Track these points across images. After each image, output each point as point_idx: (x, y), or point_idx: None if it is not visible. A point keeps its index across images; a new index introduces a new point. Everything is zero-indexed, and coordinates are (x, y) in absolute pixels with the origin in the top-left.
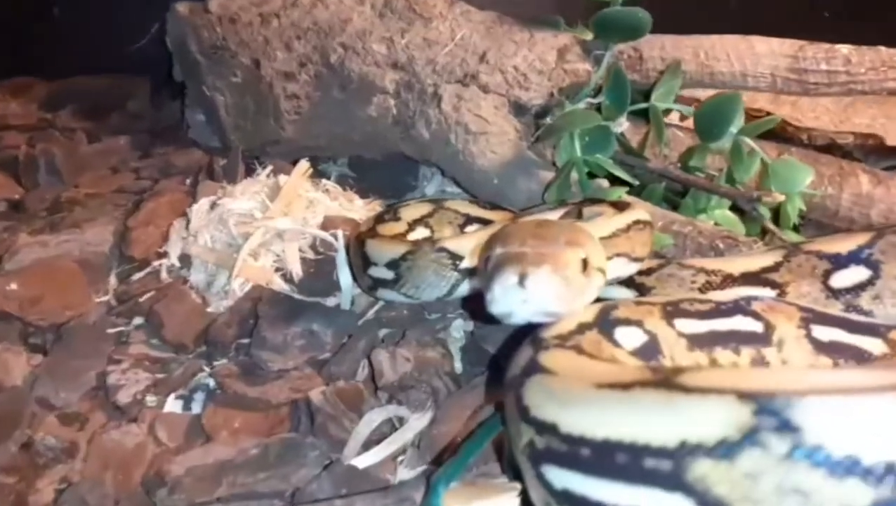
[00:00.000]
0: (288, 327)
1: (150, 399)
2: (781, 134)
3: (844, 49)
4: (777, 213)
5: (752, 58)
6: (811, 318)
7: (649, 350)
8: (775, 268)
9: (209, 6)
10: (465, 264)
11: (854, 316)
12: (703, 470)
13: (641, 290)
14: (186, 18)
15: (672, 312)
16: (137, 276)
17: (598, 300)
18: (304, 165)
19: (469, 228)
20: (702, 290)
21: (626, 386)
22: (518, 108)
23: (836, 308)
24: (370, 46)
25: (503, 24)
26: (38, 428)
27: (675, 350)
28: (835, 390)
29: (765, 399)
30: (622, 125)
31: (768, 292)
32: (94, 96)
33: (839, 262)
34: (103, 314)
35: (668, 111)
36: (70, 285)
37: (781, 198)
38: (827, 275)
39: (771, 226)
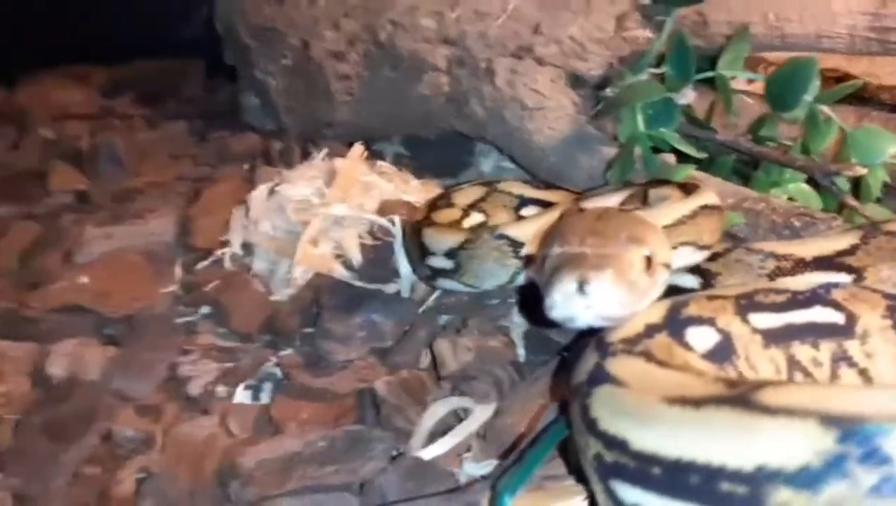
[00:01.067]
0: (350, 318)
1: (221, 390)
2: (859, 94)
3: None
4: (857, 185)
5: (827, 17)
6: (895, 306)
7: (723, 351)
8: (852, 251)
9: None
10: (526, 251)
11: None
12: (783, 498)
13: (706, 276)
14: (234, 2)
15: (746, 305)
16: (201, 265)
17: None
18: (358, 148)
19: (525, 211)
20: (771, 276)
21: (698, 402)
22: (576, 81)
23: None
24: (419, 22)
25: None
26: (117, 420)
27: (751, 349)
28: None
29: (851, 424)
30: (687, 96)
31: (844, 278)
32: (151, 82)
33: None
34: (170, 304)
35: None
36: (137, 277)
37: (862, 171)
38: None
39: (851, 201)
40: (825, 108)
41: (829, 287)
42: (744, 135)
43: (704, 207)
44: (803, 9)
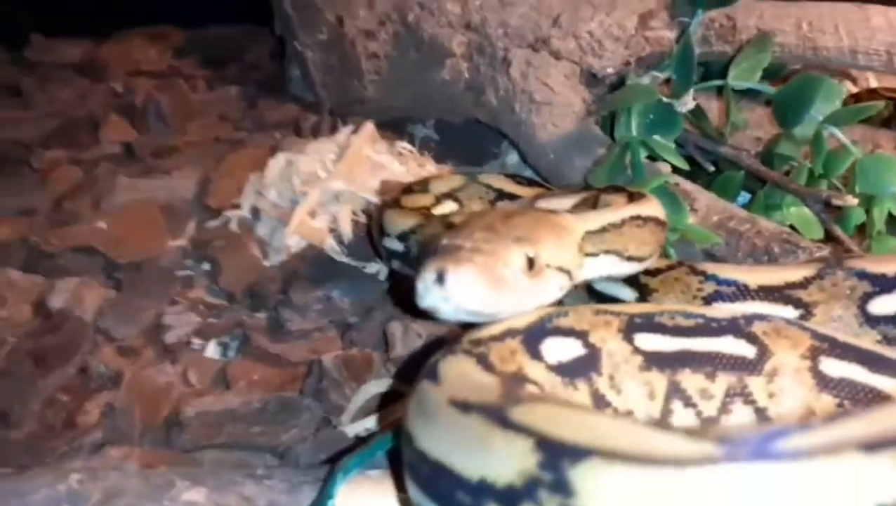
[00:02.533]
0: (312, 290)
1: (196, 342)
2: None
3: None
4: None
5: (865, 31)
6: (825, 348)
7: (582, 366)
8: (804, 284)
9: None
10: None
11: (887, 352)
12: None
13: (643, 291)
14: None
15: (640, 324)
16: (212, 224)
17: (601, 297)
18: (369, 127)
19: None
20: (707, 300)
21: (469, 407)
22: (592, 78)
23: (869, 338)
24: (445, 6)
25: None
26: (96, 356)
27: (622, 369)
28: (640, 452)
29: (553, 450)
30: (687, 104)
31: (790, 312)
32: (220, 46)
33: (883, 285)
34: (176, 257)
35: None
36: (151, 228)
37: (853, 201)
38: (866, 299)
39: (838, 231)
40: (835, 130)
41: (752, 318)
42: (747, 151)
43: (635, 218)
44: (841, 20)
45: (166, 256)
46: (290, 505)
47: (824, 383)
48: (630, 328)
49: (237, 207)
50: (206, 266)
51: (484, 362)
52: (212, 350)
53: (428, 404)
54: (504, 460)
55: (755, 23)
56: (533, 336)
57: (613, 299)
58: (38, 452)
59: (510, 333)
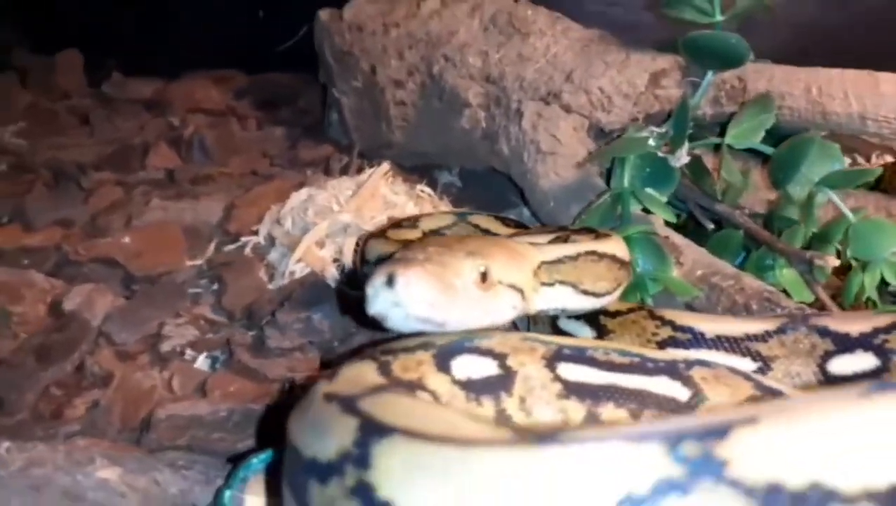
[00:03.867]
0: (298, 312)
1: (189, 353)
2: None
3: None
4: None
5: (874, 98)
6: (764, 400)
7: (492, 385)
8: (764, 337)
9: (344, 14)
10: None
11: None
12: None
13: (602, 331)
14: (325, 24)
15: (567, 355)
16: (230, 247)
17: (560, 332)
18: (384, 166)
19: None
20: (661, 345)
21: (332, 398)
22: (599, 132)
23: None
24: (467, 59)
25: (601, 44)
26: (94, 357)
27: (536, 393)
28: (440, 433)
29: (367, 429)
30: (681, 159)
31: (747, 365)
32: (276, 90)
33: (845, 344)
34: (191, 276)
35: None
36: (171, 246)
37: (835, 262)
38: (826, 357)
39: (822, 295)
40: (830, 193)
41: (692, 363)
42: (741, 209)
43: (591, 253)
44: (850, 86)
45: (181, 273)
46: (199, 495)
47: None
48: (556, 357)
49: (255, 233)
50: (215, 285)
51: (384, 369)
52: (201, 362)
53: (308, 399)
54: (332, 439)
55: (765, 85)
56: (447, 352)
57: (573, 337)
58: (19, 436)
59: (425, 346)
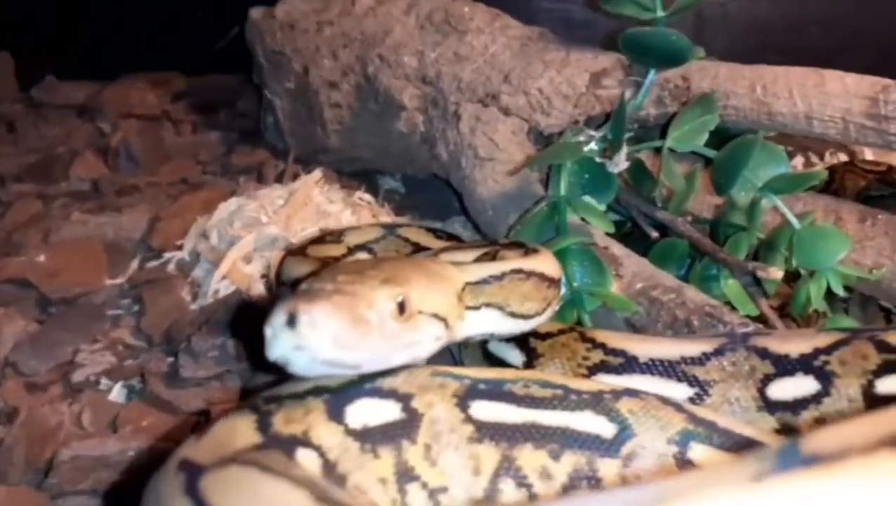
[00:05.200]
0: (213, 337)
1: (104, 383)
2: (893, 185)
3: None
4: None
5: (819, 97)
6: (697, 433)
7: (392, 433)
8: (701, 360)
9: (276, 12)
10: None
11: (773, 440)
12: None
13: (531, 355)
14: (257, 22)
15: (482, 391)
16: (152, 264)
17: (490, 358)
18: (316, 174)
19: None
20: (592, 370)
21: (182, 467)
22: (539, 135)
23: (767, 425)
24: (402, 59)
25: (540, 42)
26: (1, 390)
27: (444, 438)
28: None
29: None
30: (618, 165)
31: (683, 391)
32: (214, 93)
33: (784, 367)
34: (111, 296)
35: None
36: (89, 265)
37: (778, 274)
38: (766, 381)
39: (765, 309)
40: (775, 199)
41: (620, 394)
42: (686, 216)
43: (517, 271)
44: (795, 84)
45: (100, 294)
46: None
47: (683, 466)
48: (469, 394)
49: (180, 248)
50: (136, 307)
51: (264, 421)
52: (116, 392)
53: (168, 461)
54: None
55: (709, 84)
56: (343, 397)
57: (503, 362)
58: None
59: (317, 391)
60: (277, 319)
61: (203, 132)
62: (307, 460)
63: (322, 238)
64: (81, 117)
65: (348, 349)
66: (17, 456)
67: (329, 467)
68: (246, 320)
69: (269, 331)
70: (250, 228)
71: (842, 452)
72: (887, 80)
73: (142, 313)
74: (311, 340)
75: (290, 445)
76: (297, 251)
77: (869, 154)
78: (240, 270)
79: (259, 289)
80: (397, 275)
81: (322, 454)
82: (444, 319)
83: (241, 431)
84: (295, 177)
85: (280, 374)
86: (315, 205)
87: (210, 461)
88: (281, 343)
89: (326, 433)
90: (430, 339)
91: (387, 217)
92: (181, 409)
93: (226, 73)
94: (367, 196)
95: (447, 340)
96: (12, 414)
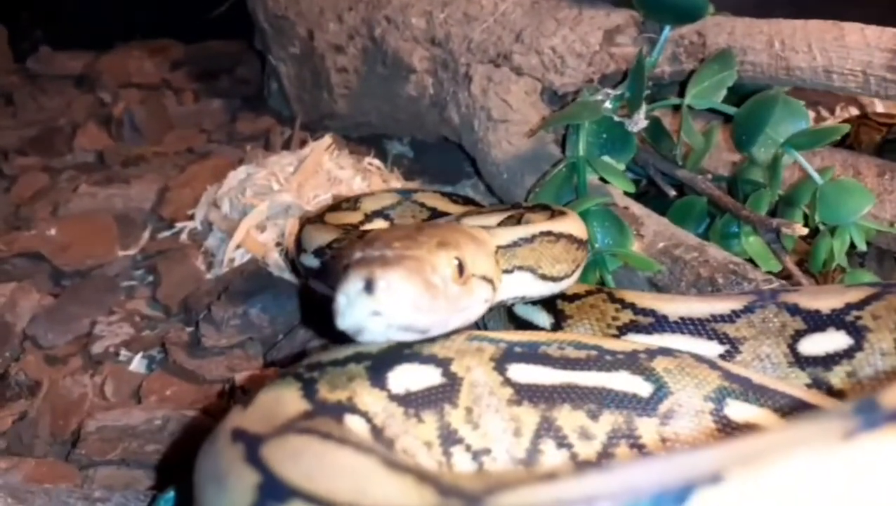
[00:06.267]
0: (235, 306)
1: (124, 354)
2: None
3: None
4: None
5: (839, 50)
6: (733, 390)
7: (434, 396)
8: (731, 317)
9: None
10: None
11: (810, 397)
12: None
13: (559, 316)
14: None
15: (519, 354)
16: (164, 234)
17: (520, 322)
18: (326, 140)
19: None
20: (622, 330)
21: (239, 436)
22: (553, 95)
23: (798, 381)
24: (410, 20)
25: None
26: (20, 363)
27: (485, 401)
28: (345, 498)
29: (268, 489)
30: (638, 123)
31: (714, 348)
32: (215, 60)
33: (815, 322)
34: (125, 267)
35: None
36: (100, 237)
37: (803, 230)
38: (797, 337)
39: (790, 266)
40: (796, 154)
41: (654, 353)
42: (704, 174)
43: (546, 234)
44: (815, 38)
45: (114, 266)
46: None
47: (727, 428)
48: (506, 358)
49: (191, 218)
50: (150, 277)
51: (308, 390)
52: (137, 363)
53: (216, 433)
54: (233, 495)
55: (725, 40)
56: (383, 362)
57: (530, 325)
58: None
59: (357, 358)
60: (353, 286)
61: (205, 100)
62: (356, 425)
63: (338, 205)
64: (80, 88)
65: (422, 313)
66: (42, 428)
67: (377, 432)
68: (266, 288)
69: (342, 299)
70: (262, 197)
71: None
72: None
73: (157, 284)
74: (388, 305)
75: (338, 411)
76: (315, 219)
77: (880, 107)
78: (254, 238)
79: (275, 257)
80: (447, 238)
81: (369, 420)
82: (491, 281)
83: (288, 399)
84: (302, 143)
85: (311, 341)
86: (325, 171)
87: (266, 430)
88: (357, 310)
89: (371, 399)
90: (480, 301)
91: (397, 182)
92: (205, 377)
93: (225, 39)
94: (376, 161)
95: (491, 303)
96: (35, 387)
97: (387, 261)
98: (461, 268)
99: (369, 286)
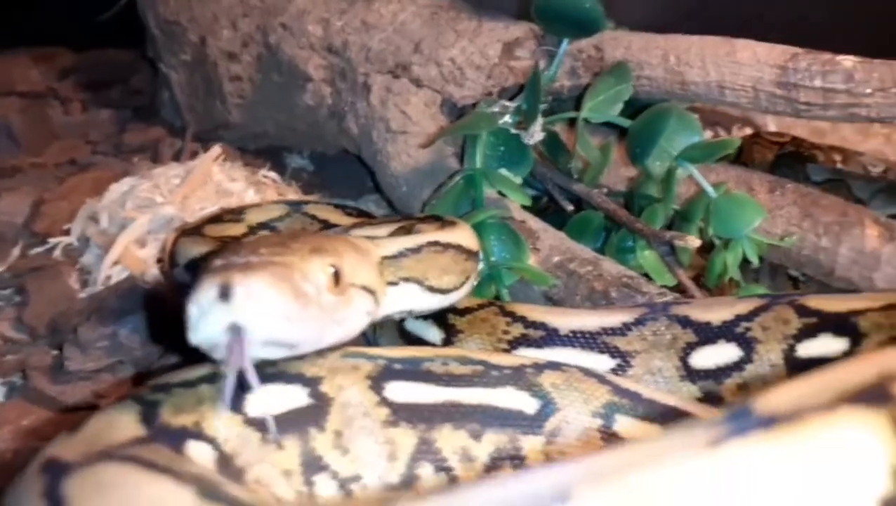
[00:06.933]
0: (103, 326)
1: None
2: (797, 156)
3: (848, 62)
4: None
5: (731, 66)
6: (622, 405)
7: (297, 420)
8: (622, 330)
9: None
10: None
11: (695, 409)
12: None
13: (450, 331)
14: None
15: (398, 371)
16: (36, 250)
17: (406, 336)
18: (215, 150)
19: None
20: (512, 344)
21: (47, 468)
22: (452, 107)
23: (689, 394)
24: (306, 27)
25: (451, 10)
26: None
27: (357, 423)
28: None
29: None
30: (534, 137)
31: (605, 362)
32: (107, 69)
33: (706, 334)
34: None
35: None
36: None
37: (695, 242)
38: (688, 349)
39: (683, 278)
40: (691, 168)
41: (542, 368)
42: (600, 188)
43: (434, 244)
44: (708, 54)
45: None
46: None
47: (609, 441)
48: (384, 376)
49: (67, 233)
50: (18, 297)
51: (150, 412)
52: None
53: (36, 458)
54: None
55: (622, 54)
56: (241, 383)
57: (421, 340)
58: None
59: (211, 377)
60: (206, 294)
61: (94, 110)
62: (199, 453)
63: (220, 216)
64: None
65: (291, 324)
66: None
67: (225, 461)
68: (141, 307)
69: (194, 309)
70: (144, 210)
71: (798, 411)
72: (796, 49)
73: (24, 304)
74: (249, 315)
75: (179, 437)
76: (192, 231)
77: (773, 126)
78: (133, 254)
79: (154, 274)
80: (324, 245)
81: (217, 447)
82: (373, 293)
83: (121, 423)
84: (193, 155)
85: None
86: (215, 183)
87: (78, 459)
88: (210, 322)
89: (222, 424)
90: (361, 314)
91: (294, 196)
92: (66, 404)
93: (118, 47)
94: (273, 174)
95: (373, 316)
96: None
97: (249, 266)
98: (337, 276)
99: (225, 294)
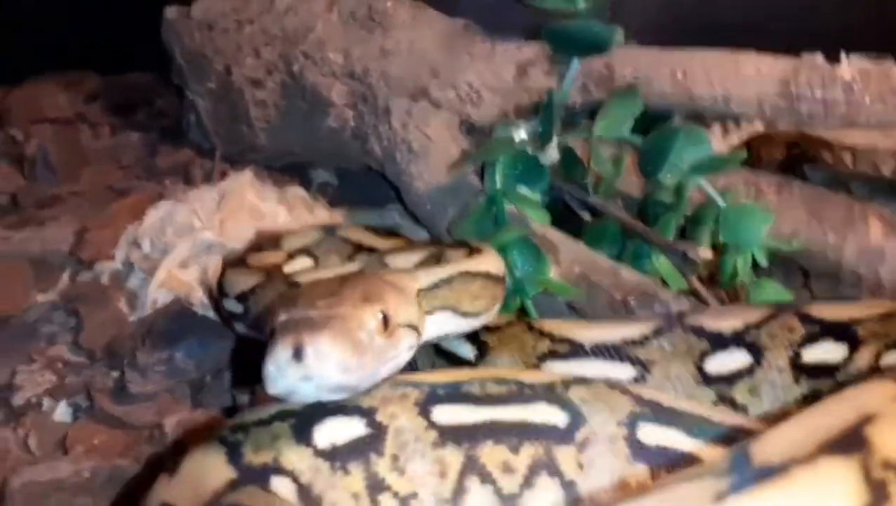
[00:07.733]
0: (160, 350)
1: (46, 403)
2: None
3: (846, 73)
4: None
5: (736, 80)
6: (644, 414)
7: (359, 448)
8: (642, 341)
9: (192, 12)
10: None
11: (714, 414)
12: None
13: (482, 348)
14: (173, 23)
15: (441, 396)
16: (84, 277)
17: (446, 355)
18: (247, 174)
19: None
20: (541, 359)
21: None
22: (471, 127)
23: (706, 398)
24: (327, 56)
25: (466, 35)
26: None
27: (410, 447)
28: None
29: None
30: (550, 157)
31: (627, 371)
32: (132, 92)
33: (718, 342)
34: (44, 313)
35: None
36: (16, 282)
37: (707, 254)
38: (703, 356)
39: (696, 285)
40: (701, 180)
41: (569, 383)
42: (615, 199)
43: (464, 274)
44: (713, 68)
45: (32, 311)
46: None
47: (639, 451)
48: (429, 401)
49: (112, 258)
50: (72, 322)
51: (234, 453)
52: (62, 411)
53: (148, 501)
54: None
55: (631, 71)
56: (308, 418)
57: (455, 356)
58: None
59: (282, 415)
60: (282, 354)
61: (122, 134)
62: (282, 487)
63: (259, 246)
64: None
65: (351, 373)
66: None
67: (304, 491)
68: (190, 329)
69: (271, 368)
70: (184, 235)
71: (789, 461)
72: (797, 61)
73: (79, 329)
74: (319, 370)
75: (263, 475)
76: (236, 262)
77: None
78: (177, 277)
79: (198, 296)
80: (370, 291)
81: (295, 479)
82: (415, 328)
83: (213, 466)
84: (223, 175)
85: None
86: (248, 206)
87: None
88: (287, 378)
89: (297, 457)
90: (406, 349)
91: (323, 210)
92: (133, 424)
93: (142, 70)
94: (301, 191)
95: (416, 348)
96: None
97: (313, 324)
98: (386, 320)
99: (298, 354)
